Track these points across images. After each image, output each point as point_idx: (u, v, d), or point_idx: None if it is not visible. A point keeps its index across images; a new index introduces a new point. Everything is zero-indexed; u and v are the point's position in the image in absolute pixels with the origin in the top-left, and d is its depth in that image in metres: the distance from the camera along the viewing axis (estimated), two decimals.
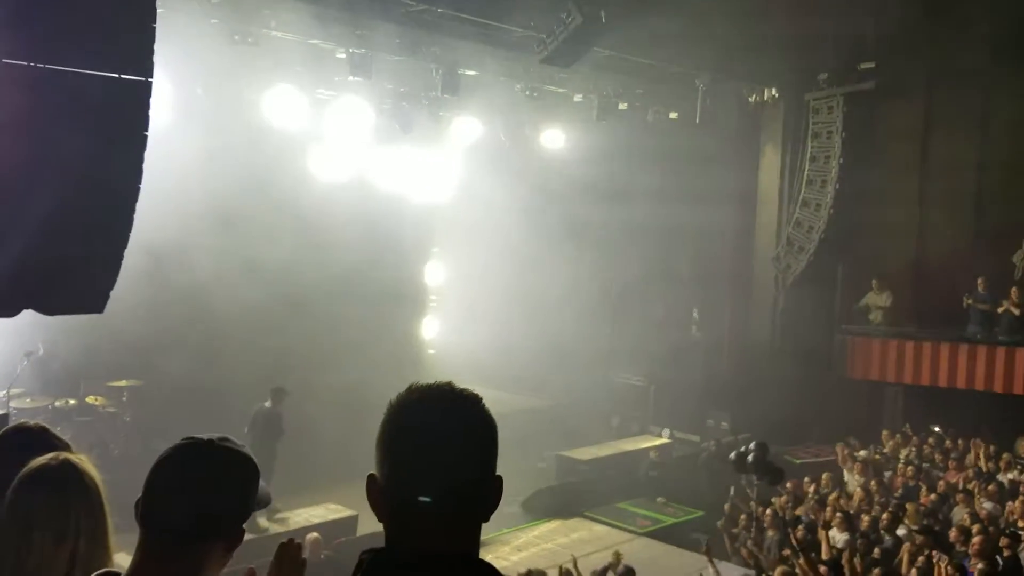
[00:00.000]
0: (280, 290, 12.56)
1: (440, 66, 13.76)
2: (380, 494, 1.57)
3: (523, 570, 8.62)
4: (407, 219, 15.03)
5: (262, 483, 1.93)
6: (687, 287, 17.36)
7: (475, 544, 1.61)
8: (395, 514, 1.57)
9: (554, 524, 12.93)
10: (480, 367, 16.99)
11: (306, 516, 11.21)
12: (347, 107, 13.47)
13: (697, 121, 15.82)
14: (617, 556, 9.12)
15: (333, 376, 11.80)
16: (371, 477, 1.58)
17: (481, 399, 1.62)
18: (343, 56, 12.74)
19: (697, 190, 16.30)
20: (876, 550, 9.47)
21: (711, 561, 9.10)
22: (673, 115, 17.07)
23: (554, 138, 16.35)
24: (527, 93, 15.16)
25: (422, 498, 1.53)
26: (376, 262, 14.10)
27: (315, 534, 9.40)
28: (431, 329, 17.58)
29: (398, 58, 13.34)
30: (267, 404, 11.26)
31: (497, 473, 1.62)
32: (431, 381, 1.62)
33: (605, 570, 8.97)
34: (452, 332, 17.59)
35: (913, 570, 8.57)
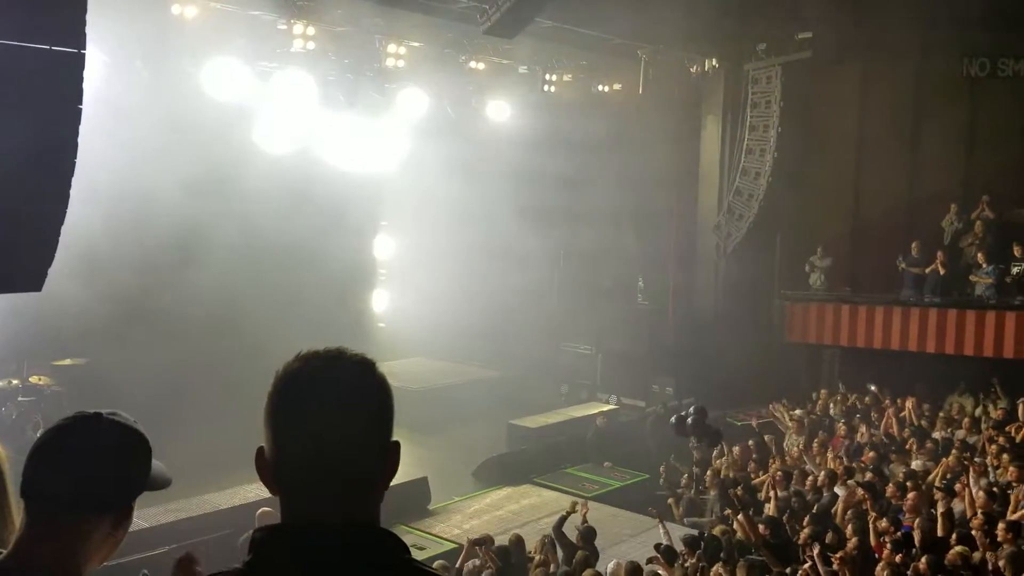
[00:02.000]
0: (226, 266, 12.46)
1: (384, 37, 13.68)
2: (269, 468, 1.50)
3: (475, 537, 8.84)
4: (355, 192, 14.97)
5: (160, 464, 1.85)
6: (633, 256, 17.61)
7: (373, 512, 1.52)
8: (286, 488, 1.50)
9: (505, 491, 13.15)
10: (430, 339, 17.12)
11: (256, 491, 11.23)
12: (291, 79, 13.32)
13: (640, 92, 15.99)
14: (573, 505, 9.36)
15: (282, 351, 11.72)
16: (259, 450, 1.52)
17: (373, 363, 1.55)
18: (284, 27, 12.59)
19: (641, 160, 16.54)
20: (815, 507, 9.85)
21: (662, 523, 9.42)
22: (617, 86, 17.23)
23: (500, 110, 16.39)
24: (472, 64, 15.17)
25: (310, 470, 1.46)
26: (325, 235, 14.06)
27: (267, 508, 9.44)
28: (381, 303, 17.59)
29: (341, 29, 13.23)
30: None
31: (394, 439, 1.55)
32: (321, 348, 1.54)
33: (563, 519, 9.17)
34: (403, 305, 17.64)
35: (849, 526, 8.94)
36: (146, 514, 10.12)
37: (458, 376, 17.82)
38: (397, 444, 1.55)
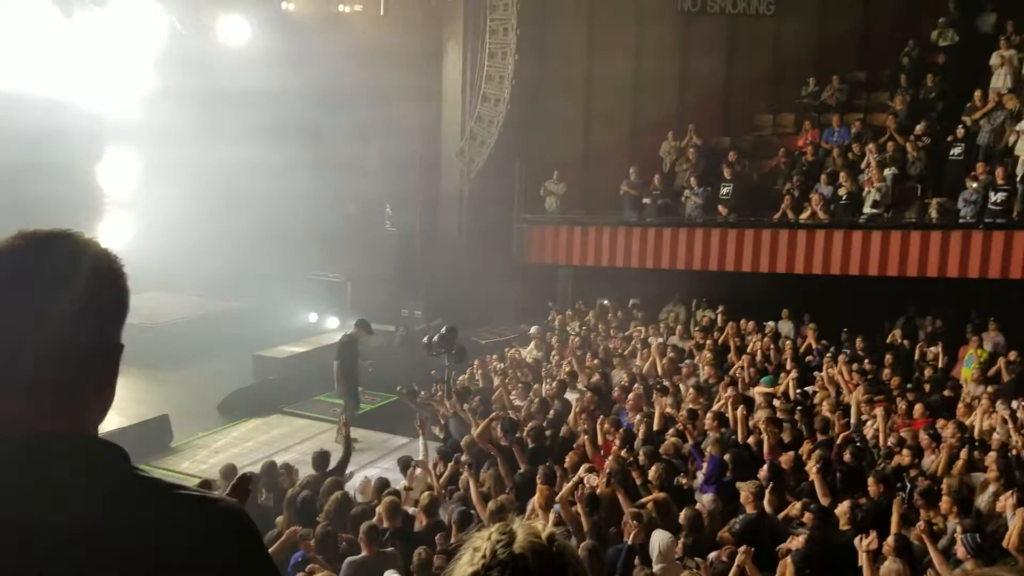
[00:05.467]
0: None
1: None
2: None
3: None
4: (70, 118, 13.56)
5: None
6: (379, 182, 17.62)
7: (86, 423, 1.32)
8: None
9: (253, 423, 12.96)
10: (167, 272, 16.22)
11: None
12: None
13: (382, 14, 15.80)
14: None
15: None
16: None
17: (105, 249, 1.36)
18: None
19: (385, 86, 16.42)
20: (551, 412, 10.64)
21: (422, 434, 9.81)
22: (358, 7, 16.90)
23: (236, 26, 15.50)
24: None
25: None
26: (32, 169, 12.54)
27: None
28: (109, 234, 16.31)
29: None
30: (350, 332, 12.86)
31: (119, 343, 1.36)
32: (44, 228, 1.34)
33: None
34: (134, 236, 16.47)
35: (583, 427, 9.80)
36: None
37: (202, 308, 17.13)
38: (120, 346, 1.37)
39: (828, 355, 12.44)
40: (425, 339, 12.34)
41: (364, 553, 6.26)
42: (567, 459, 8.28)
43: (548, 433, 9.44)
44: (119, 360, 1.37)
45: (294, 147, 16.26)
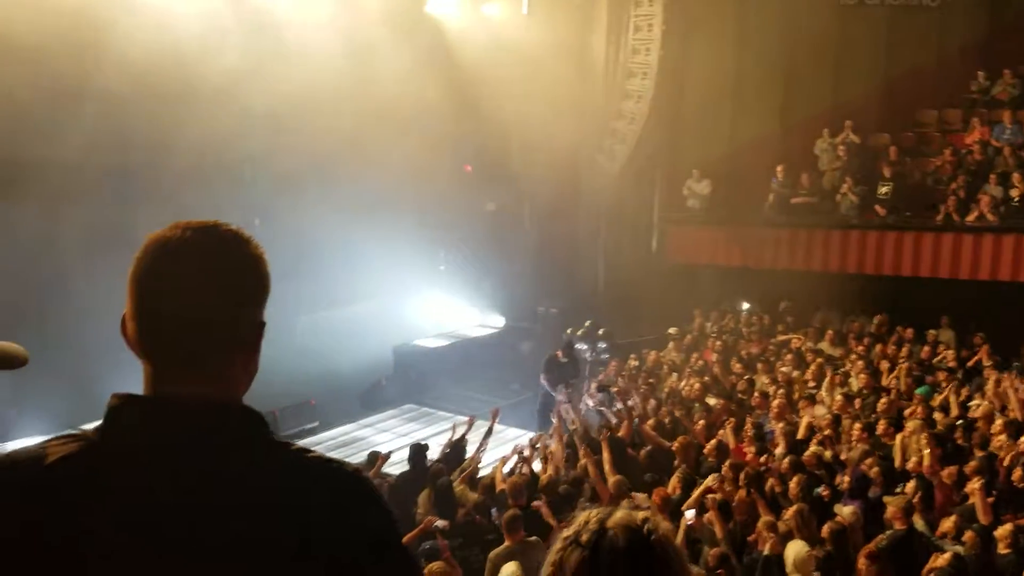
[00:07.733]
0: None
1: None
2: (131, 337, 1.49)
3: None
4: None
5: (7, 344, 1.86)
6: (518, 182, 17.65)
7: (236, 392, 1.51)
8: (147, 358, 1.48)
9: (392, 413, 13.32)
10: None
11: None
12: None
13: (524, 12, 15.84)
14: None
15: None
16: (124, 317, 1.50)
17: (249, 237, 1.53)
18: None
19: (526, 82, 16.39)
20: (675, 412, 10.33)
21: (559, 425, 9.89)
22: (501, 7, 16.96)
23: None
24: None
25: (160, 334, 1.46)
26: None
27: None
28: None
29: None
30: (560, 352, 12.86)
31: (262, 320, 1.54)
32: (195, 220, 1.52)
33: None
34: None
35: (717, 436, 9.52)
36: None
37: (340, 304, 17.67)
38: (263, 323, 1.54)
39: (988, 365, 11.56)
40: (569, 331, 12.43)
41: (507, 543, 6.29)
42: (674, 445, 8.29)
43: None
44: (262, 336, 1.55)
45: (435, 148, 16.50)
